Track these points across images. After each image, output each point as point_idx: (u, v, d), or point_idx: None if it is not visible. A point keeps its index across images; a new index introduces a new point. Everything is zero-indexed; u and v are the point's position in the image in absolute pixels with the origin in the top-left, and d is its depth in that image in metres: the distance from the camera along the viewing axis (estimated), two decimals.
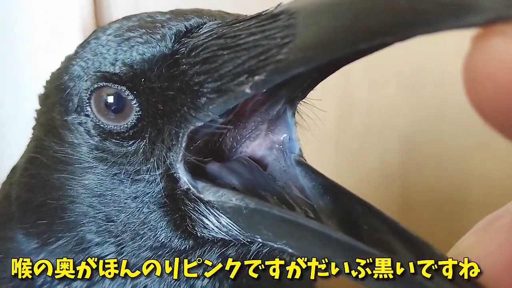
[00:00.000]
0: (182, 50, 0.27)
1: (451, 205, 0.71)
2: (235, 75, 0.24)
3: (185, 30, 0.28)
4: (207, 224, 0.28)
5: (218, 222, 0.27)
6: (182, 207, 0.29)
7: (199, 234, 0.29)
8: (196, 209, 0.28)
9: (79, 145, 0.31)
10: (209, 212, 0.28)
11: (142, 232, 0.30)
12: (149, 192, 0.29)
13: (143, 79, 0.28)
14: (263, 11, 0.24)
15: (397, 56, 0.68)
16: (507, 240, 0.19)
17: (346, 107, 0.72)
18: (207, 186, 0.28)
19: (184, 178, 0.28)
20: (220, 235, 0.28)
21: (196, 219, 0.28)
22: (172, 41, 0.28)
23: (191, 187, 0.28)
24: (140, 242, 0.30)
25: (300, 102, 0.31)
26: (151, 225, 0.30)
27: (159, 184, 0.29)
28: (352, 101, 0.72)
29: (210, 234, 0.28)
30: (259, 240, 0.26)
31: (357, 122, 0.73)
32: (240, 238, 0.27)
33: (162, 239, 0.30)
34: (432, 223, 0.70)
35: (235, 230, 0.27)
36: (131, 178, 0.29)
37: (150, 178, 0.29)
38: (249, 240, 0.27)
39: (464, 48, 0.17)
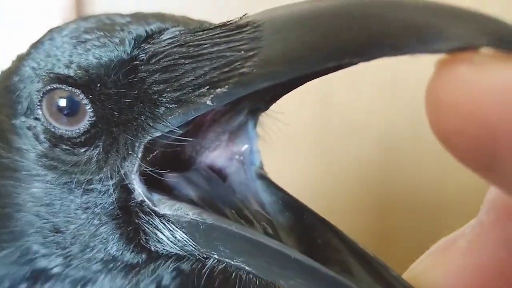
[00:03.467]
0: (141, 57, 0.26)
1: (428, 208, 0.72)
2: (196, 86, 0.23)
3: (145, 35, 0.27)
4: (162, 239, 0.27)
5: (173, 236, 0.26)
6: (136, 220, 0.27)
7: (153, 249, 0.28)
8: (151, 222, 0.27)
9: (27, 151, 0.29)
10: (164, 226, 0.26)
11: (93, 244, 0.29)
12: (101, 203, 0.28)
13: (98, 85, 0.27)
14: (228, 21, 0.24)
15: (375, 60, 0.68)
16: (463, 264, 0.19)
17: (324, 108, 0.72)
18: (163, 199, 0.27)
19: (138, 190, 0.27)
20: (174, 250, 0.27)
21: (150, 232, 0.27)
22: (131, 46, 0.27)
23: (146, 199, 0.27)
24: (90, 255, 0.29)
25: (262, 114, 0.30)
26: (102, 237, 0.28)
27: (112, 195, 0.27)
28: (331, 102, 0.72)
29: (164, 249, 0.27)
30: (215, 256, 0.25)
31: (335, 123, 0.73)
32: (196, 254, 0.26)
33: (113, 252, 0.28)
34: (409, 226, 0.70)
35: (191, 245, 0.26)
36: (82, 188, 0.28)
37: (103, 188, 0.28)
38: (204, 255, 0.26)
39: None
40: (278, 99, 0.28)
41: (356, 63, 0.19)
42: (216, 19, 0.26)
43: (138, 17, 0.29)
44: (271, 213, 0.28)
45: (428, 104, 0.16)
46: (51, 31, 0.30)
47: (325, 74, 0.22)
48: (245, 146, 0.31)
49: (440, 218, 0.71)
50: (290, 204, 0.28)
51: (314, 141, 0.74)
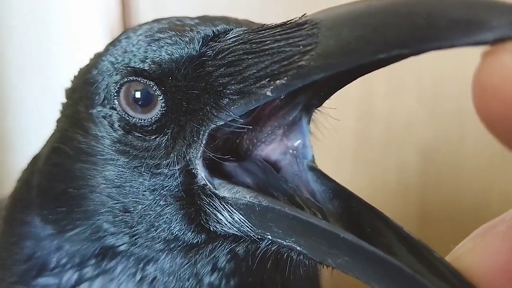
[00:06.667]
0: (209, 53, 0.29)
1: (470, 218, 0.71)
2: (258, 78, 0.26)
3: (212, 34, 0.30)
4: (221, 219, 0.29)
5: (231, 217, 0.29)
6: (198, 202, 0.30)
7: (212, 229, 0.30)
8: (211, 204, 0.29)
9: (103, 137, 0.32)
10: (223, 208, 0.29)
11: (157, 224, 0.31)
12: (167, 186, 0.30)
13: (170, 78, 0.30)
14: (288, 20, 0.26)
15: (417, 68, 0.69)
16: (503, 246, 0.20)
17: (365, 118, 0.72)
18: (223, 183, 0.29)
19: (202, 174, 0.30)
20: (232, 231, 0.29)
21: (211, 213, 0.30)
22: (199, 44, 0.30)
23: (207, 183, 0.29)
24: (154, 234, 0.32)
25: (316, 110, 0.32)
26: (167, 217, 0.31)
27: (177, 178, 0.30)
28: (372, 112, 0.72)
29: (222, 229, 0.30)
30: (269, 237, 0.28)
31: (377, 133, 0.73)
32: (251, 235, 0.29)
33: (176, 232, 0.31)
34: (450, 236, 0.69)
35: (247, 226, 0.28)
36: (151, 172, 0.31)
37: (169, 172, 0.30)
38: (259, 237, 0.28)
39: None
40: (331, 95, 0.30)
41: (405, 56, 0.21)
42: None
43: (205, 20, 0.32)
44: (321, 202, 0.30)
45: (474, 91, 0.18)
46: (127, 31, 0.34)
47: (377, 68, 0.24)
48: (298, 141, 0.33)
49: None
50: (339, 193, 0.30)
51: (355, 152, 0.75)
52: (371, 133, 0.74)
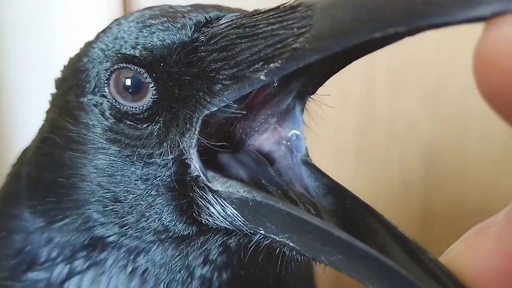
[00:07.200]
0: (201, 39, 0.28)
1: (473, 218, 0.71)
2: (251, 62, 0.25)
3: (205, 20, 0.30)
4: (213, 213, 0.29)
5: (224, 211, 0.28)
6: (190, 194, 0.29)
7: (203, 222, 0.29)
8: (204, 197, 0.29)
9: (94, 126, 0.32)
10: (216, 201, 0.28)
11: (148, 214, 0.31)
12: (160, 176, 0.30)
13: (161, 64, 0.29)
14: (282, 4, 0.26)
15: (420, 67, 0.69)
16: (495, 247, 0.20)
17: (367, 118, 0.72)
18: (217, 176, 0.29)
19: (196, 164, 0.29)
20: (224, 224, 0.29)
21: (203, 206, 0.29)
22: (192, 30, 0.29)
23: (201, 175, 0.29)
24: (144, 224, 0.31)
25: (309, 98, 0.32)
26: (158, 208, 0.30)
27: (170, 168, 0.29)
28: (374, 112, 0.72)
29: (214, 223, 0.29)
30: (262, 232, 0.27)
31: (379, 133, 0.73)
32: (243, 229, 0.28)
33: (167, 223, 0.30)
34: (453, 235, 0.69)
35: (239, 220, 0.28)
36: (143, 161, 0.30)
37: (162, 162, 0.30)
38: (251, 231, 0.28)
39: None
40: (325, 82, 0.29)
41: (402, 35, 0.20)
42: None
43: (198, 7, 0.32)
44: (315, 197, 0.29)
45: (474, 64, 0.18)
46: (118, 19, 0.33)
47: (372, 51, 0.23)
48: (292, 132, 0.32)
49: None
50: (333, 189, 0.29)
51: (357, 152, 0.75)
52: (373, 133, 0.74)
